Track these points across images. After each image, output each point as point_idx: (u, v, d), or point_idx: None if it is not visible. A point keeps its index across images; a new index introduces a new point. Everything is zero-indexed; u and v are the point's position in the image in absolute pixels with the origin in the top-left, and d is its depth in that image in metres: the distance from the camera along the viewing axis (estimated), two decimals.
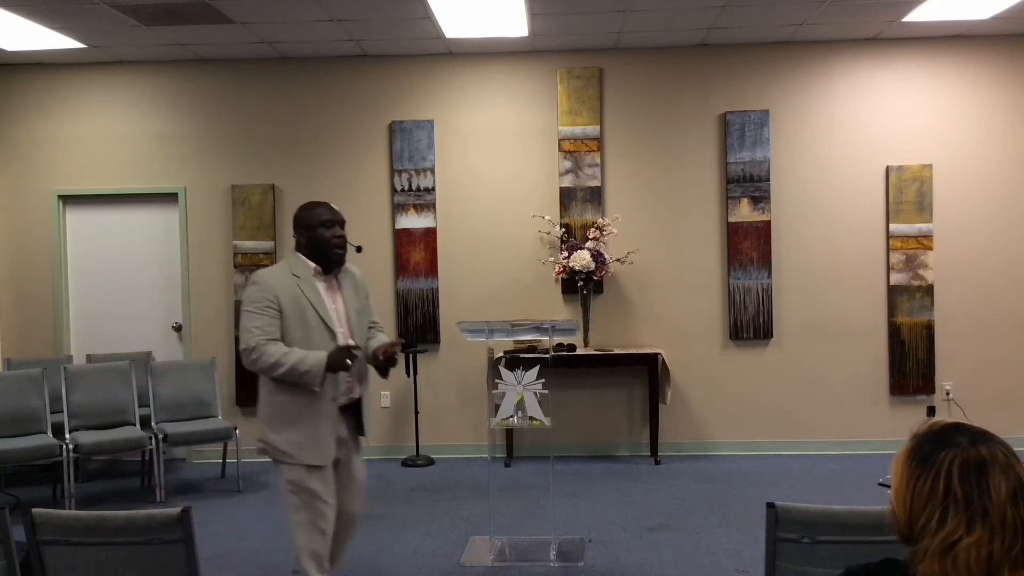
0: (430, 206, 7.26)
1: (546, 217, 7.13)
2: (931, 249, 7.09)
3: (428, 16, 6.19)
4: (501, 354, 6.27)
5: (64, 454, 5.91)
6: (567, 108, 7.21)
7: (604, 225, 7.00)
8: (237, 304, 7.30)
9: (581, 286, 6.94)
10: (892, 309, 7.14)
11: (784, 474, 6.59)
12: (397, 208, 7.28)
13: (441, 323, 7.23)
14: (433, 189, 7.26)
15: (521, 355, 5.67)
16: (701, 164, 7.22)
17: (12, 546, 2.63)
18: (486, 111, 7.31)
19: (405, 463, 7.09)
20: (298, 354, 3.44)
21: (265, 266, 7.26)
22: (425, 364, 7.20)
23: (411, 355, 7.07)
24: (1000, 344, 7.13)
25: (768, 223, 7.14)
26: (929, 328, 7.12)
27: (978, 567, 1.39)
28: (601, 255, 6.87)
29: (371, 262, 7.30)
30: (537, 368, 4.74)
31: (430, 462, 7.11)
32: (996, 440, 1.48)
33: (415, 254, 7.27)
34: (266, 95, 7.36)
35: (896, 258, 7.11)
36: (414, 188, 7.27)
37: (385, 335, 3.96)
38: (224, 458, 6.84)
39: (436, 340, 7.27)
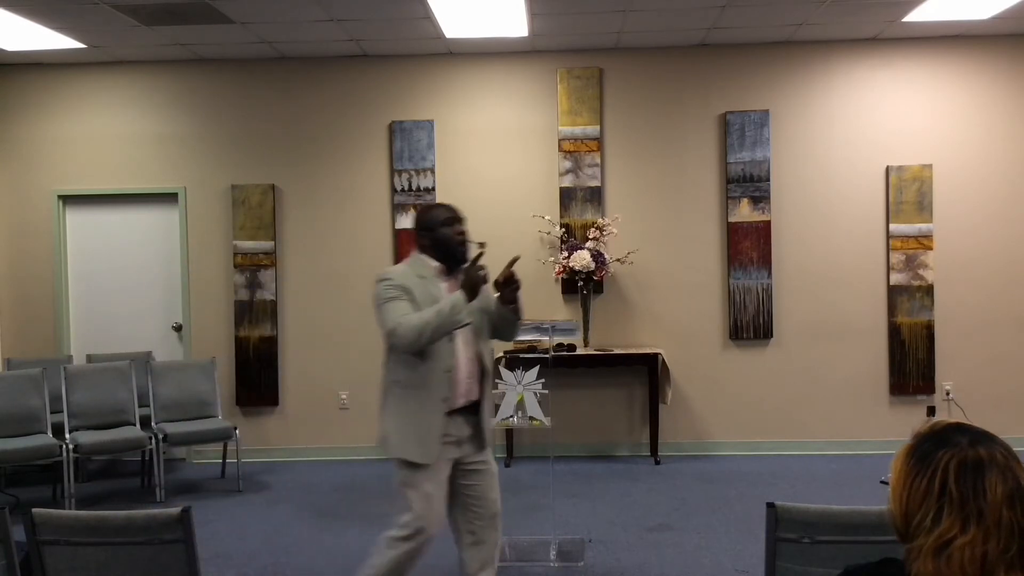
0: None
1: (546, 217, 7.13)
2: (931, 249, 7.09)
3: (428, 16, 6.19)
4: (501, 354, 6.27)
5: (64, 454, 5.91)
6: (567, 108, 7.21)
7: (604, 225, 7.00)
8: (237, 304, 7.31)
9: (581, 286, 6.94)
10: (892, 309, 7.14)
11: (784, 474, 6.59)
12: (397, 208, 7.29)
13: None
14: (433, 189, 7.26)
15: (521, 355, 5.67)
16: (701, 164, 7.22)
17: (12, 546, 2.63)
18: (486, 111, 7.31)
19: None
20: (433, 307, 3.41)
21: (265, 266, 7.31)
22: None
23: None
24: (1000, 344, 7.13)
25: (768, 223, 7.14)
26: (929, 328, 7.12)
27: (972, 567, 1.39)
28: (601, 255, 6.87)
29: (371, 262, 7.31)
30: (537, 368, 4.74)
31: None
32: (997, 442, 1.48)
33: None
34: (266, 95, 7.36)
35: (896, 258, 7.11)
36: (414, 188, 7.27)
37: None
38: (224, 458, 6.84)
39: None
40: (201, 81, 7.38)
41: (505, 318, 3.65)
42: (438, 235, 3.61)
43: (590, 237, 7.00)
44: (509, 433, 6.98)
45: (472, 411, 3.62)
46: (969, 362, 7.13)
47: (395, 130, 7.27)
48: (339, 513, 5.86)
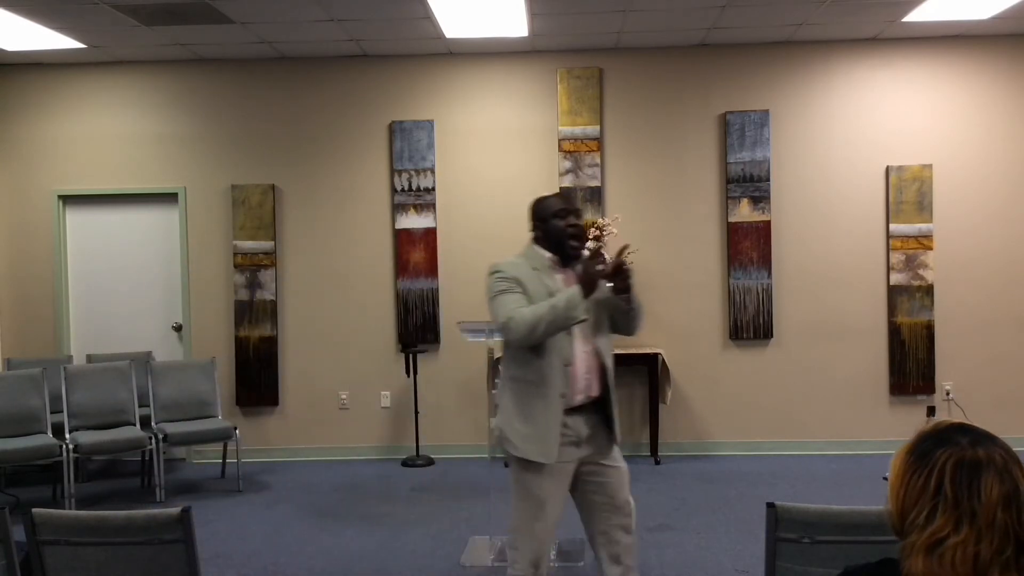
0: (430, 206, 7.26)
1: None
2: (931, 249, 7.09)
3: (428, 16, 6.19)
4: (501, 354, 6.27)
5: (64, 454, 5.91)
6: (567, 108, 7.21)
7: (604, 225, 7.00)
8: (237, 304, 7.31)
9: None
10: (892, 309, 7.14)
11: (784, 474, 6.59)
12: (397, 208, 7.29)
13: (441, 323, 7.24)
14: (433, 189, 7.26)
15: None
16: (701, 164, 7.22)
17: (12, 546, 2.63)
18: (486, 111, 7.31)
19: (405, 463, 7.09)
20: (548, 302, 3.28)
21: (265, 266, 7.32)
22: (425, 364, 7.20)
23: (411, 355, 7.08)
24: (1000, 344, 7.13)
25: (768, 223, 7.14)
26: (929, 328, 7.12)
27: (963, 566, 1.39)
28: (601, 255, 6.85)
29: (371, 262, 7.32)
30: None
31: (430, 462, 7.11)
32: (999, 443, 1.48)
33: (415, 254, 7.27)
34: (266, 95, 7.36)
35: (896, 258, 7.11)
36: (414, 188, 7.27)
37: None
38: (224, 458, 6.84)
39: (436, 340, 7.27)
40: (201, 81, 7.38)
41: (621, 310, 3.51)
42: (549, 227, 3.49)
43: (590, 237, 7.00)
44: None
45: (593, 408, 3.43)
46: (969, 362, 7.13)
47: (395, 130, 7.27)
48: (339, 513, 5.86)
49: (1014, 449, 1.50)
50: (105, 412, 6.33)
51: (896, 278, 7.12)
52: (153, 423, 6.46)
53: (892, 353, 7.15)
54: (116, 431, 6.24)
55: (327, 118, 7.34)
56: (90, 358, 6.98)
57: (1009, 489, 1.42)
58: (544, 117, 7.25)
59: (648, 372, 6.99)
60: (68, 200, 7.46)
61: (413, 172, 7.27)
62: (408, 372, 7.07)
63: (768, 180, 7.14)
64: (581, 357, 3.38)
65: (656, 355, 6.92)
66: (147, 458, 6.41)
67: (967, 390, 7.11)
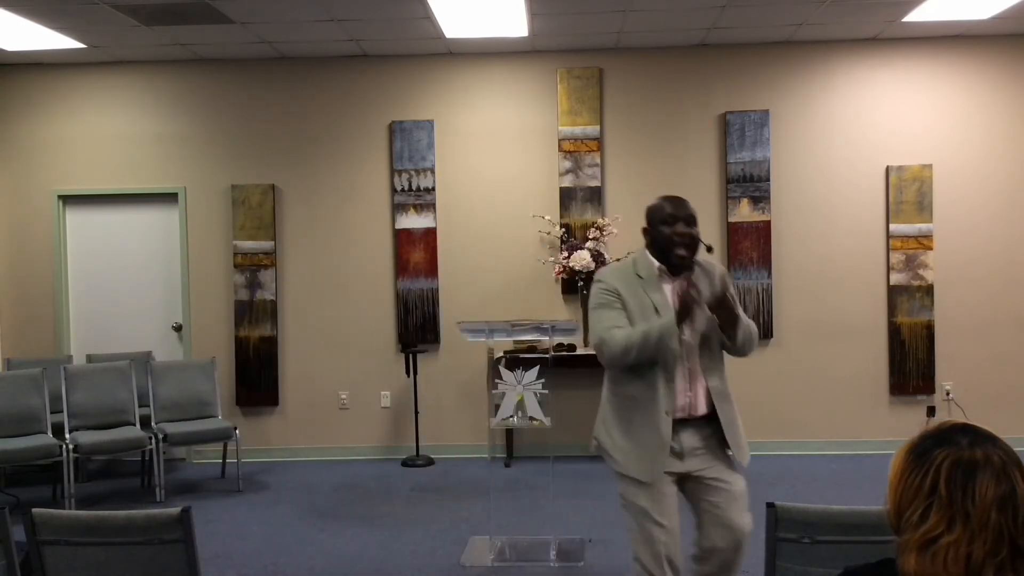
0: (430, 206, 7.26)
1: (546, 217, 7.13)
2: (931, 249, 7.09)
3: (428, 16, 6.19)
4: (501, 354, 6.27)
5: (64, 454, 5.90)
6: (567, 108, 7.21)
7: (604, 225, 7.00)
8: (237, 304, 7.31)
9: (581, 286, 6.93)
10: (892, 309, 7.14)
11: (784, 474, 6.58)
12: (397, 208, 7.28)
13: (441, 323, 7.23)
14: (433, 189, 7.26)
15: (521, 355, 5.68)
16: (701, 164, 7.22)
17: (12, 546, 2.63)
18: (486, 111, 7.31)
19: (405, 463, 7.09)
20: (642, 328, 3.19)
21: (265, 266, 7.32)
22: (425, 364, 7.19)
23: (411, 355, 7.08)
24: (1000, 344, 7.13)
25: (768, 223, 7.14)
26: (929, 328, 7.12)
27: (955, 566, 1.39)
28: (601, 255, 6.87)
29: (371, 262, 7.32)
30: (537, 368, 4.75)
31: (430, 462, 7.10)
32: (1000, 445, 1.47)
33: (415, 254, 7.27)
34: (266, 95, 7.36)
35: (896, 258, 7.11)
36: (414, 188, 7.27)
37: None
38: (224, 458, 6.84)
39: (436, 340, 7.27)
40: (201, 81, 7.38)
41: (726, 342, 3.44)
42: (656, 233, 3.39)
43: (590, 237, 7.00)
44: (509, 433, 6.98)
45: (704, 423, 3.35)
46: (969, 362, 7.13)
47: (395, 130, 7.27)
48: (339, 513, 5.86)
49: (1014, 449, 1.50)
50: (105, 412, 6.33)
51: (896, 278, 7.12)
52: (153, 423, 6.46)
53: (892, 353, 7.15)
54: (116, 431, 6.24)
55: (327, 118, 7.34)
56: (90, 358, 6.98)
57: (1005, 491, 1.42)
58: (544, 117, 7.25)
59: None
60: (68, 200, 7.46)
61: (413, 172, 7.27)
62: (408, 372, 7.07)
63: (768, 180, 7.14)
64: (684, 374, 3.31)
65: None
66: (147, 458, 6.41)
67: (967, 390, 7.11)
